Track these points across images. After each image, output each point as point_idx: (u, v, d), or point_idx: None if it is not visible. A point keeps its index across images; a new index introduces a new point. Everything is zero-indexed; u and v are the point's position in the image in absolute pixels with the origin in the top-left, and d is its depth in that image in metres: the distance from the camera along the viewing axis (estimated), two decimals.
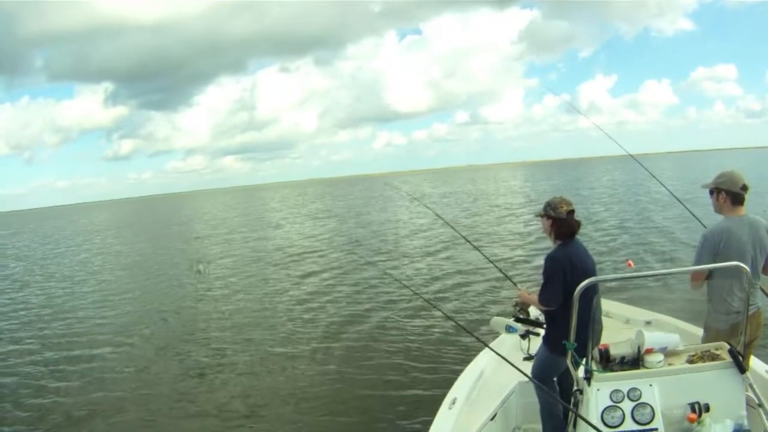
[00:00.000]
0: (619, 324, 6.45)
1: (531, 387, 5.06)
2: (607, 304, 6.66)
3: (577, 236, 4.75)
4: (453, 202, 48.66)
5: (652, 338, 3.48)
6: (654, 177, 6.77)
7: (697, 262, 4.47)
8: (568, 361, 3.63)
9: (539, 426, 4.97)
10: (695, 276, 4.54)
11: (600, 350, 3.50)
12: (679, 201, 6.08)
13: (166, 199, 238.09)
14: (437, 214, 9.05)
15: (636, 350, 3.45)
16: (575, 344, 3.58)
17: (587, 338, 3.65)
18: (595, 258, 4.88)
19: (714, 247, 4.42)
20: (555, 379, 4.72)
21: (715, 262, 4.29)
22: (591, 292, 3.84)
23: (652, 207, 30.15)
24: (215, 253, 27.23)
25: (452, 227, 8.47)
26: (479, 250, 7.78)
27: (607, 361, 3.46)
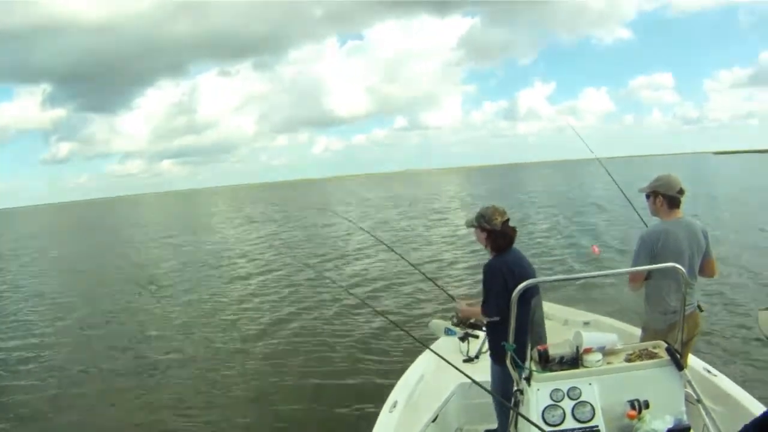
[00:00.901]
0: (558, 325, 6.50)
1: (471, 388, 5.06)
2: (546, 306, 6.71)
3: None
4: (390, 206, 48.93)
5: (590, 338, 3.48)
6: (614, 181, 6.85)
7: (635, 263, 4.52)
8: (508, 362, 3.62)
9: (481, 427, 4.99)
10: (634, 277, 4.58)
11: (539, 351, 3.49)
12: (631, 205, 6.14)
13: (104, 203, 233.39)
14: (381, 241, 8.99)
15: (575, 350, 3.45)
16: (514, 345, 3.57)
17: (527, 339, 3.66)
18: (534, 260, 4.86)
19: (651, 248, 4.48)
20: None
21: (652, 263, 4.34)
22: (529, 294, 3.82)
23: (588, 210, 30.90)
24: (152, 257, 26.86)
25: (393, 249, 8.52)
26: (418, 269, 7.75)
27: (546, 362, 3.45)
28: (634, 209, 5.96)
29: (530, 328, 3.93)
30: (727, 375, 4.96)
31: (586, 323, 6.49)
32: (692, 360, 5.09)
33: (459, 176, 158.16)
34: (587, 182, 59.94)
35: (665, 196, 4.61)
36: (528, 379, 3.36)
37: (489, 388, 4.37)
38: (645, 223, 5.33)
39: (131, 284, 19.30)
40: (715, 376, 4.86)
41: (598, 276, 4.61)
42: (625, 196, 6.17)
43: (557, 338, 3.80)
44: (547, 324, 4.82)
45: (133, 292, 17.90)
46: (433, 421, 4.87)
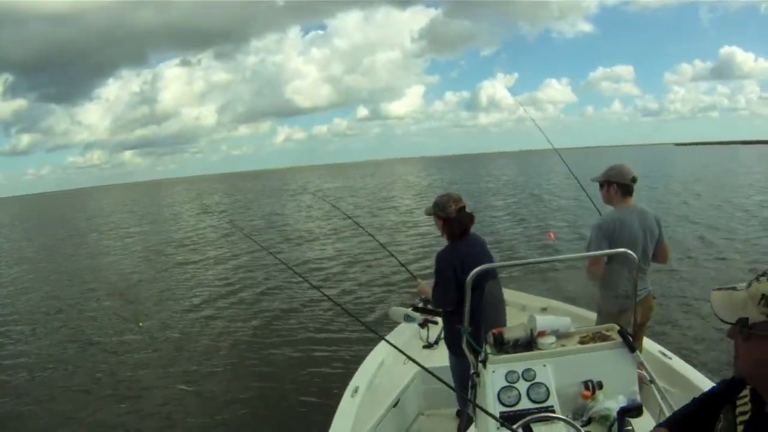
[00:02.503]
0: (516, 311, 6.56)
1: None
2: (504, 292, 6.79)
3: (473, 230, 4.69)
4: (347, 195, 48.96)
5: (544, 321, 3.52)
6: (571, 172, 6.88)
7: (593, 251, 4.60)
8: (464, 346, 3.67)
9: (443, 411, 5.04)
10: (593, 262, 4.66)
11: (494, 334, 3.52)
12: (587, 193, 6.20)
13: (65, 195, 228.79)
14: (348, 215, 8.92)
15: (529, 333, 3.49)
16: (469, 329, 3.62)
17: (483, 323, 3.71)
18: (495, 246, 4.90)
19: (608, 235, 4.58)
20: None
21: (609, 249, 4.45)
22: (483, 279, 3.88)
23: (544, 198, 31.45)
24: (109, 248, 26.58)
25: (360, 226, 8.45)
26: (385, 247, 7.74)
27: (501, 345, 3.48)
28: (589, 198, 6.04)
29: (485, 312, 3.99)
30: (682, 357, 5.10)
31: (544, 309, 6.57)
32: (648, 343, 5.24)
33: (419, 166, 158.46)
34: (545, 172, 60.43)
35: (619, 185, 4.72)
36: (484, 362, 3.40)
37: (448, 373, 4.45)
38: (599, 211, 5.42)
39: (86, 276, 19.19)
40: (670, 358, 4.99)
41: (550, 261, 4.67)
42: (581, 186, 6.25)
43: (515, 323, 3.85)
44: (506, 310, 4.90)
45: (88, 286, 17.69)
46: (394, 406, 4.92)
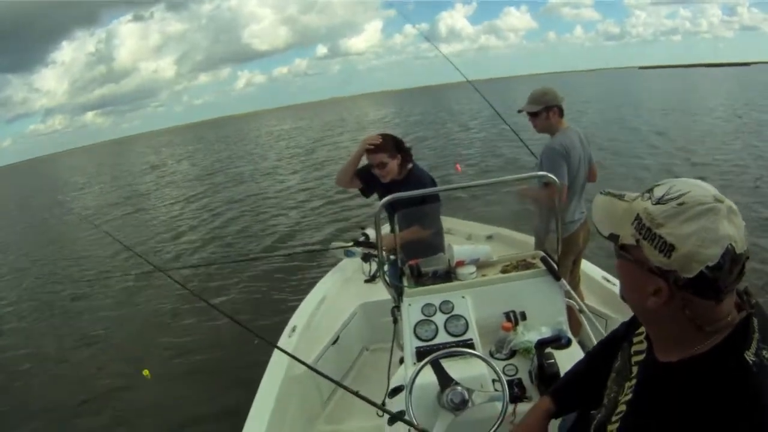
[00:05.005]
0: (462, 240, 6.51)
1: (373, 307, 5.12)
2: (449, 221, 6.71)
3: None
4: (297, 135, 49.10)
5: (462, 251, 3.38)
6: (489, 104, 6.67)
7: (561, 175, 4.28)
8: (381, 279, 3.52)
9: (388, 345, 4.95)
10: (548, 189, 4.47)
11: (411, 266, 3.41)
12: (509, 125, 6.10)
13: (30, 164, 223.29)
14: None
15: (447, 264, 3.37)
16: (385, 262, 3.48)
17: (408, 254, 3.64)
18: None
19: (565, 157, 4.39)
20: None
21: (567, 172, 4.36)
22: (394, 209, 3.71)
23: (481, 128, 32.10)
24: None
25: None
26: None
27: (419, 277, 3.36)
28: (512, 130, 6.02)
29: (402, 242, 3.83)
30: None
31: (489, 237, 6.52)
32: (590, 269, 5.17)
33: (379, 100, 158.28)
34: (500, 102, 60.75)
35: (558, 108, 4.55)
36: (401, 295, 3.27)
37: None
38: (524, 143, 5.55)
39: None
40: (614, 284, 4.83)
41: (474, 186, 4.44)
42: (502, 118, 6.16)
43: None
44: (451, 239, 4.77)
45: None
46: (334, 342, 4.82)
